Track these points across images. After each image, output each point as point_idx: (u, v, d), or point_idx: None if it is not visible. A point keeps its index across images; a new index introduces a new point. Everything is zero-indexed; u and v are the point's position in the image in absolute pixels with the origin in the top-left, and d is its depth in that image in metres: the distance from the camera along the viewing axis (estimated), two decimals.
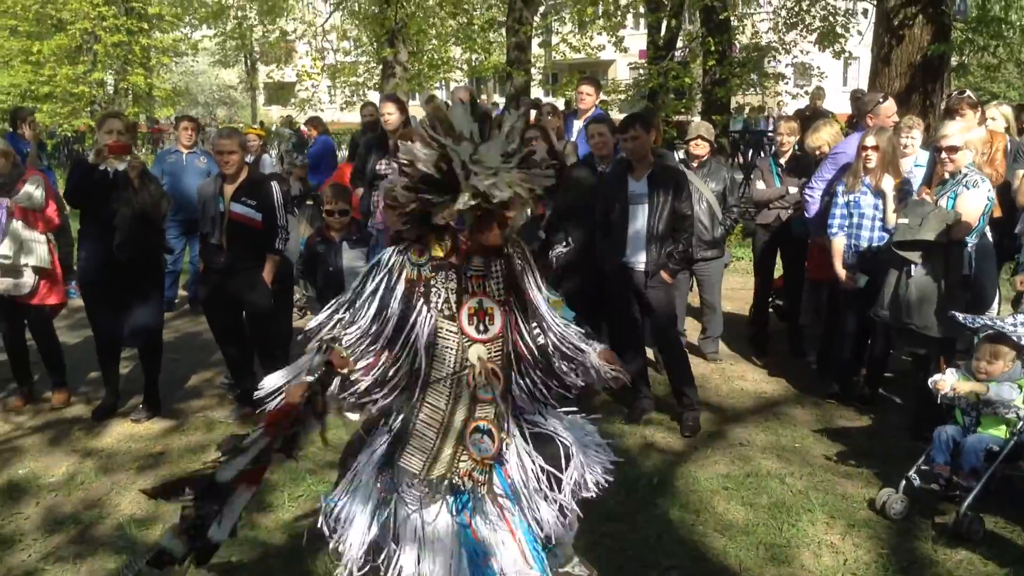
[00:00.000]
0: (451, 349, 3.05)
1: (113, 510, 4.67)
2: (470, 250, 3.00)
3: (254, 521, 4.48)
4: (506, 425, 3.13)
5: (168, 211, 6.44)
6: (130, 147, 6.01)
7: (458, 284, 3.01)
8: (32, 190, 5.96)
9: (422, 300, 2.97)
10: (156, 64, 30.27)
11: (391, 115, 6.97)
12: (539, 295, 3.18)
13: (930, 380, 4.60)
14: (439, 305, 2.99)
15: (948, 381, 4.51)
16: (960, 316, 4.69)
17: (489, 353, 3.07)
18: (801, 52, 17.40)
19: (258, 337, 5.96)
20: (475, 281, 3.06)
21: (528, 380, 3.22)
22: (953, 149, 5.16)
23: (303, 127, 14.00)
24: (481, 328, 3.06)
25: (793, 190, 6.83)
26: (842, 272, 5.93)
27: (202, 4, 25.93)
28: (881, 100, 6.50)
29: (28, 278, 5.98)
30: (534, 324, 3.20)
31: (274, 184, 5.92)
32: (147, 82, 28.79)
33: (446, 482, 3.06)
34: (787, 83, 17.92)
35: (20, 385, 6.30)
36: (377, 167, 6.87)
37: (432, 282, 2.98)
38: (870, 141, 5.75)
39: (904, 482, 4.49)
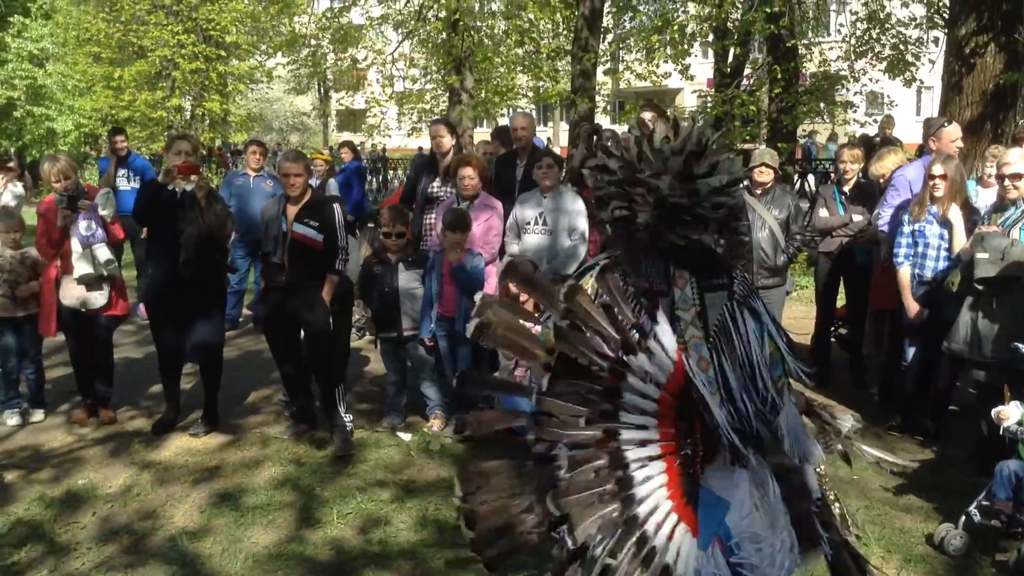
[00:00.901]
0: None
1: (167, 522, 4.75)
2: None
3: (302, 537, 4.52)
4: None
5: (233, 231, 6.59)
6: (198, 167, 6.19)
7: None
8: (103, 202, 6.22)
9: None
10: (232, 90, 31.07)
11: (443, 139, 7.03)
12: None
13: (993, 411, 4.45)
14: None
15: (1012, 413, 4.36)
16: (1022, 347, 4.55)
17: None
18: (871, 80, 17.13)
19: (315, 356, 6.03)
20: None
21: None
22: (1017, 176, 5.03)
23: (339, 151, 13.49)
24: None
25: (857, 218, 6.71)
26: (911, 303, 5.79)
27: (277, 33, 26.59)
28: (946, 124, 6.36)
29: (106, 291, 6.17)
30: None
31: (336, 206, 6.02)
32: (223, 108, 29.55)
33: None
34: (855, 111, 17.62)
35: (85, 398, 6.46)
36: (428, 189, 6.93)
37: None
38: (937, 170, 5.63)
39: (964, 518, 4.35)
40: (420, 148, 23.62)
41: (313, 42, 22.00)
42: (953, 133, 6.28)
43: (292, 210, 5.82)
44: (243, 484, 5.23)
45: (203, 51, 28.06)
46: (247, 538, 4.54)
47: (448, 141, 7.02)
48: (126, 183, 9.89)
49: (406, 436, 6.02)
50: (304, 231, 5.78)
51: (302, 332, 6.03)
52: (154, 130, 27.93)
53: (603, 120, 21.27)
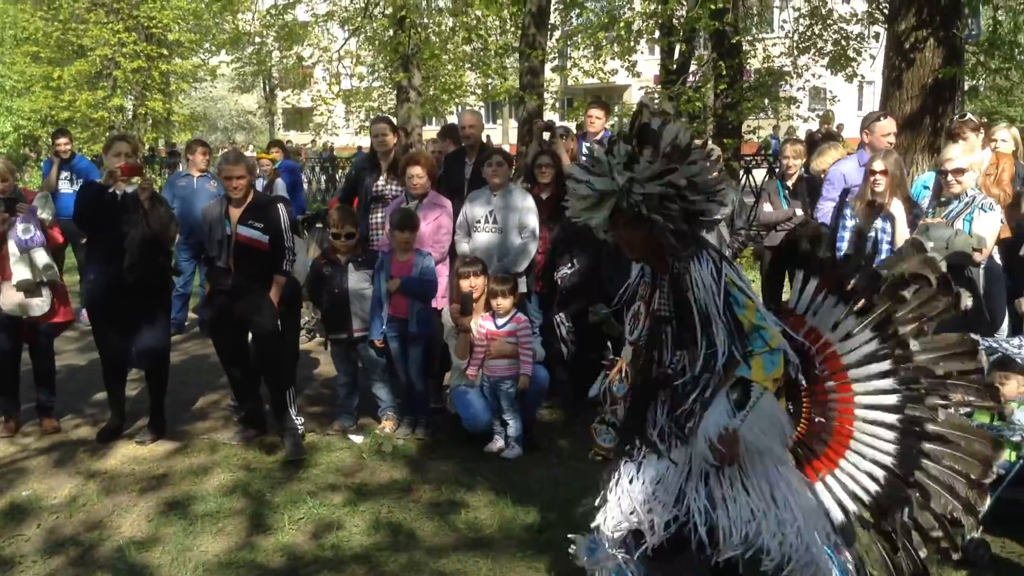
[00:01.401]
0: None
1: (114, 532, 4.65)
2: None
3: (253, 544, 4.47)
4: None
5: (177, 234, 6.47)
6: (140, 169, 6.07)
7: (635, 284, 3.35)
8: (41, 204, 6.07)
9: None
10: (175, 89, 30.62)
11: (385, 136, 6.98)
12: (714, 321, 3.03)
13: None
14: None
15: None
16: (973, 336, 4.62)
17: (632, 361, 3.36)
18: (813, 76, 17.38)
19: (264, 359, 5.96)
20: (643, 288, 3.30)
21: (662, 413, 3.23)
22: (959, 171, 5.14)
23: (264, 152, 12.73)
24: (632, 330, 3.35)
25: (800, 212, 6.80)
26: None
27: (220, 31, 26.23)
28: (880, 118, 6.49)
29: (47, 297, 6.02)
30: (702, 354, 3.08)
31: (280, 207, 5.94)
32: (165, 107, 29.11)
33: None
34: (798, 107, 17.88)
35: (5, 412, 6.21)
36: (373, 188, 6.88)
37: None
38: (878, 165, 5.71)
39: None
40: (359, 147, 23.45)
41: (257, 40, 21.75)
42: (886, 127, 6.39)
43: (235, 212, 5.73)
44: (192, 491, 5.14)
45: (145, 50, 27.65)
46: (196, 546, 4.46)
47: (391, 139, 6.97)
48: (69, 186, 9.64)
49: (358, 438, 5.97)
50: (249, 233, 5.70)
51: (250, 335, 5.96)
52: (95, 131, 27.43)
53: (551, 116, 21.31)
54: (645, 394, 3.28)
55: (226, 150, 7.24)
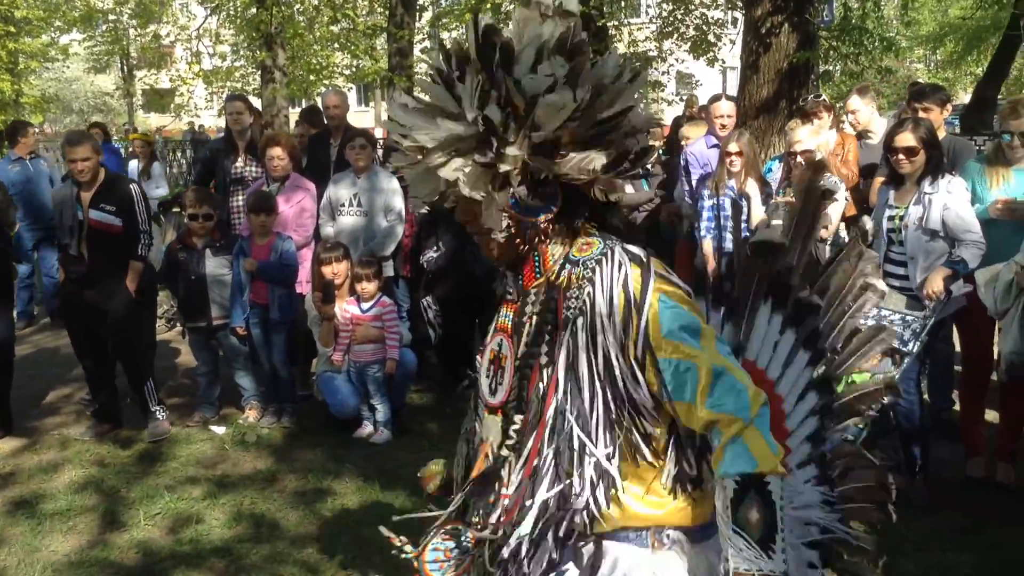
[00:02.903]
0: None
1: None
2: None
3: (106, 541, 4.29)
4: None
5: (15, 220, 6.11)
6: None
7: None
8: None
9: None
10: (24, 69, 28.94)
11: (241, 115, 6.78)
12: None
13: None
14: None
15: None
16: None
17: (501, 440, 1.94)
18: (677, 61, 17.80)
19: (120, 349, 5.73)
20: (506, 307, 2.02)
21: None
22: (807, 153, 5.33)
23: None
24: (493, 386, 2.00)
25: (661, 192, 6.95)
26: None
27: (72, 7, 24.92)
28: (717, 100, 6.75)
29: None
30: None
31: (133, 187, 5.70)
32: (14, 88, 27.48)
33: None
34: (663, 91, 18.31)
35: None
36: (232, 170, 6.68)
37: None
38: (733, 147, 5.88)
39: None
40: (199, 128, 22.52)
41: (111, 17, 20.78)
42: (721, 109, 6.67)
43: (86, 196, 5.47)
44: (40, 490, 4.90)
45: None
46: (45, 547, 4.26)
47: (246, 117, 6.78)
48: None
49: (219, 429, 5.80)
50: (101, 217, 5.45)
51: (106, 324, 5.70)
52: None
53: None
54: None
55: (67, 132, 6.85)
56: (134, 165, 10.76)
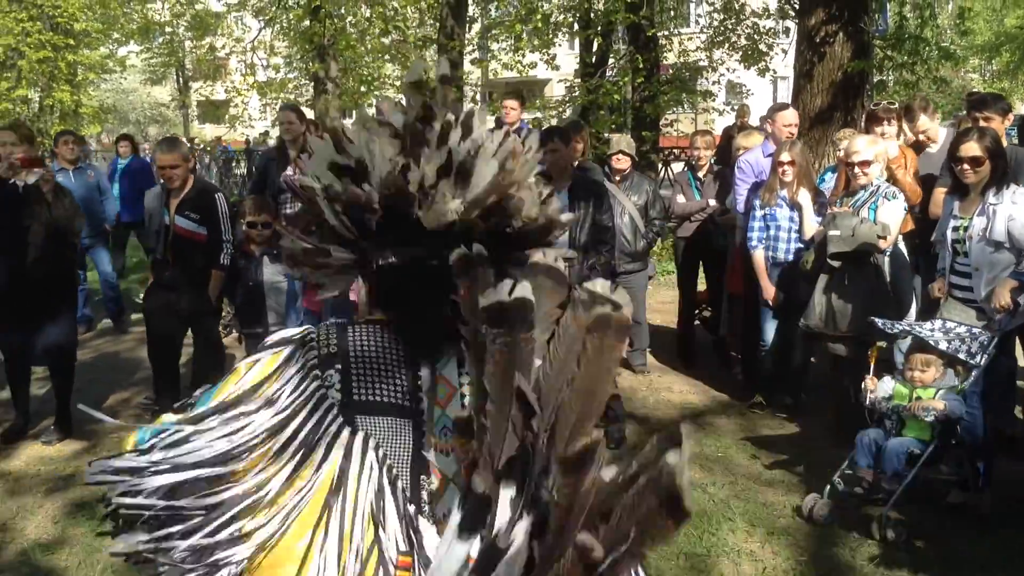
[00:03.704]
0: None
1: (18, 535, 4.49)
2: None
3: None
4: None
5: (83, 226, 6.25)
6: (41, 160, 5.88)
7: None
8: None
9: None
10: (83, 81, 29.65)
11: (292, 124, 6.88)
12: None
13: (865, 382, 4.64)
14: None
15: (882, 387, 4.57)
16: (879, 322, 4.75)
17: None
18: (728, 70, 17.71)
19: (202, 354, 5.85)
20: None
21: None
22: (865, 163, 5.26)
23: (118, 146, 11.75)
24: None
25: (713, 202, 6.90)
26: (767, 285, 5.99)
27: (129, 20, 25.49)
28: (783, 108, 6.65)
29: None
30: None
31: (219, 196, 5.83)
32: (73, 99, 28.16)
33: None
34: (714, 100, 18.23)
35: None
36: (282, 178, 6.77)
37: None
38: (785, 156, 5.83)
39: (829, 487, 4.52)
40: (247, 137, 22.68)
41: (168, 29, 21.22)
42: (787, 118, 6.53)
43: (174, 202, 5.61)
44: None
45: (50, 39, 26.64)
46: (105, 548, 4.32)
47: (298, 126, 6.86)
48: None
49: None
50: (185, 224, 5.58)
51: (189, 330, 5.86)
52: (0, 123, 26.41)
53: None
54: None
55: (160, 139, 7.02)
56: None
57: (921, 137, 6.17)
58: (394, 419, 1.55)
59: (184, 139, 11.78)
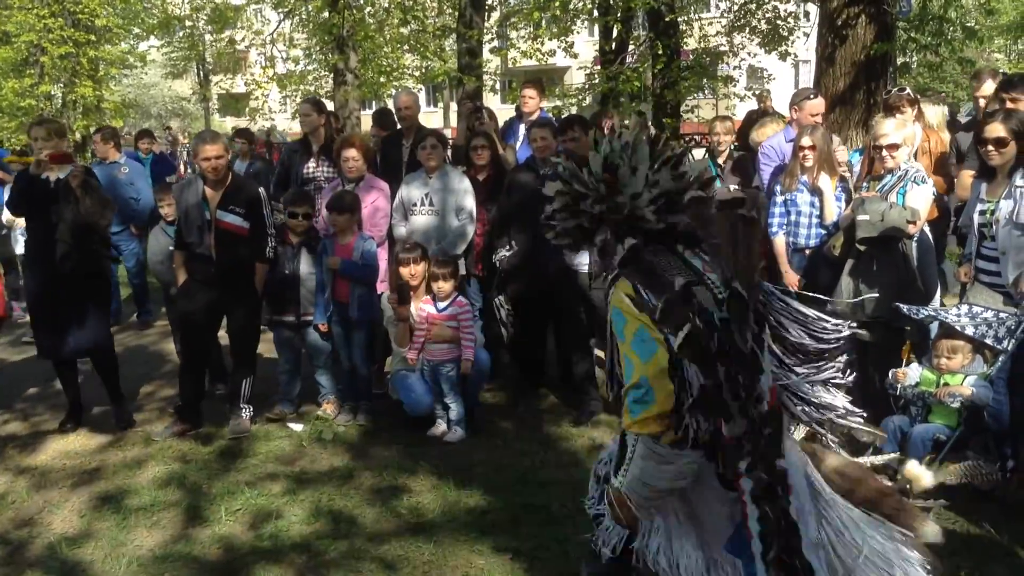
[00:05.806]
0: None
1: (45, 529, 4.53)
2: None
3: (189, 536, 4.38)
4: None
5: (112, 219, 6.26)
6: (70, 155, 5.91)
7: None
8: None
9: None
10: (104, 76, 29.82)
11: (309, 117, 6.88)
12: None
13: (891, 372, 4.60)
14: None
15: (911, 375, 4.52)
16: (904, 307, 4.69)
17: None
18: (749, 55, 17.54)
19: (240, 348, 5.89)
20: None
21: None
22: (893, 147, 5.19)
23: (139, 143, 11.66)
24: None
25: (735, 188, 6.84)
26: (788, 270, 5.94)
27: (149, 15, 25.59)
28: (811, 96, 6.55)
29: None
30: None
31: (261, 190, 5.82)
32: (96, 94, 28.34)
33: None
34: (735, 86, 18.06)
35: None
36: (304, 171, 6.78)
37: None
38: (806, 141, 5.77)
39: None
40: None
41: (188, 23, 21.28)
42: (816, 107, 6.45)
43: (213, 195, 5.60)
44: (125, 485, 5.02)
45: (72, 35, 26.81)
46: (131, 541, 4.36)
47: (315, 119, 6.86)
48: None
49: (298, 426, 5.88)
50: (230, 219, 5.58)
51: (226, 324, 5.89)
52: (23, 120, 26.58)
53: (492, 99, 21.19)
54: None
55: (202, 131, 7.08)
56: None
57: (981, 103, 6.10)
58: None
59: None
